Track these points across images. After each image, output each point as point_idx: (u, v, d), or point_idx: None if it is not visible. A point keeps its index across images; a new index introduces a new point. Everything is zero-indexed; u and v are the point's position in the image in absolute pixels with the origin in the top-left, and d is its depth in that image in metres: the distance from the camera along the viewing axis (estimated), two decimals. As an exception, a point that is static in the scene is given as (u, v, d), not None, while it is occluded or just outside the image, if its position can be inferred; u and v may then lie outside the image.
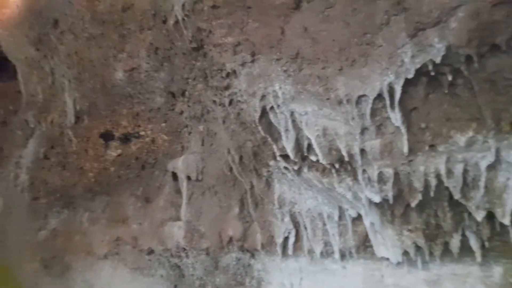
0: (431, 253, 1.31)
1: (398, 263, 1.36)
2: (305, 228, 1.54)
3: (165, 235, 1.88)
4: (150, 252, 1.94)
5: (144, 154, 2.22)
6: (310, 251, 1.54)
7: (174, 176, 2.01)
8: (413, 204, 1.26)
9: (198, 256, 1.78)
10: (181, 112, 2.09)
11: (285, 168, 1.49)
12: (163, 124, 2.19)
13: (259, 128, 1.46)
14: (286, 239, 1.58)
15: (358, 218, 1.44)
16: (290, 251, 1.56)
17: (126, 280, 2.03)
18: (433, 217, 1.29)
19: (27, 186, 2.61)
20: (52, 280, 2.31)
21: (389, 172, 1.25)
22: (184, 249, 1.82)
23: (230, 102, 1.58)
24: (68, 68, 2.54)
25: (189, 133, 2.06)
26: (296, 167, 1.44)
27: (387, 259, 1.38)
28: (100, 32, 2.40)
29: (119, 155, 2.30)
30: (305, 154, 1.38)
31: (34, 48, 2.69)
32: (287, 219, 1.56)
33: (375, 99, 1.23)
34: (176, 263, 1.86)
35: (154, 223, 1.93)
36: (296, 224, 1.56)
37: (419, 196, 1.24)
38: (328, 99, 1.28)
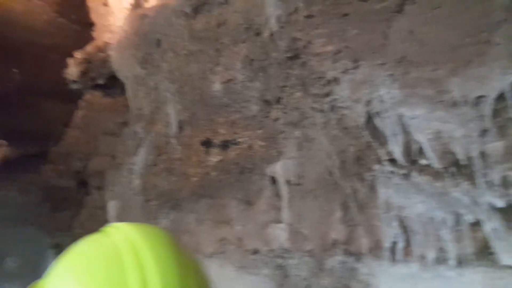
0: None
1: (527, 272, 1.28)
2: (416, 233, 1.52)
3: (269, 237, 2.00)
4: (255, 252, 2.08)
5: (242, 159, 2.38)
6: (422, 257, 1.51)
7: (273, 180, 2.12)
8: (545, 210, 1.18)
9: (302, 258, 1.86)
10: (276, 119, 2.20)
11: (391, 172, 1.50)
12: (259, 131, 2.32)
13: (364, 133, 1.48)
14: (394, 243, 1.57)
15: (477, 223, 1.38)
16: (399, 256, 1.56)
17: (232, 277, 2.20)
18: None
19: (140, 190, 2.96)
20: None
21: (514, 176, 1.19)
22: (288, 250, 1.91)
23: (332, 108, 1.63)
24: (170, 83, 2.84)
25: (285, 138, 2.16)
26: (404, 171, 1.44)
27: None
28: (198, 48, 2.63)
29: (219, 161, 2.49)
30: (415, 158, 1.38)
31: (140, 67, 3.05)
32: (395, 223, 1.56)
33: (496, 99, 1.18)
34: (281, 263, 1.96)
35: (258, 225, 2.07)
36: (405, 229, 1.55)
37: (553, 202, 1.16)
38: (441, 101, 1.26)
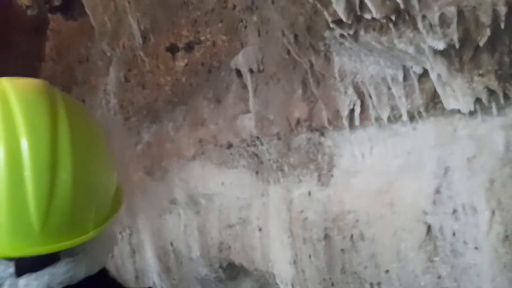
0: (506, 96, 1.27)
1: (471, 113, 1.36)
2: (370, 96, 1.59)
3: (239, 128, 2.11)
4: (229, 146, 2.21)
5: (208, 58, 2.40)
6: (378, 119, 1.60)
7: (238, 73, 2.16)
8: (481, 43, 1.20)
9: (271, 142, 1.99)
10: (234, 7, 2.16)
11: (341, 36, 1.51)
12: (220, 25, 2.30)
13: (308, -3, 1.47)
14: (351, 111, 1.65)
15: (424, 75, 1.43)
16: (357, 122, 1.65)
17: (215, 175, 2.37)
18: (507, 54, 1.22)
19: (118, 109, 3.06)
20: (156, 184, 2.81)
21: (451, 11, 1.19)
22: (258, 137, 2.03)
23: (276, -22, 1.59)
24: (125, -11, 2.74)
25: (245, 27, 2.14)
26: (351, 31, 1.45)
27: (459, 111, 1.38)
28: None
29: (186, 64, 2.52)
30: (358, 13, 1.38)
31: (92, -23, 2.93)
32: (350, 90, 1.62)
33: None
34: (253, 151, 2.10)
35: (228, 119, 2.17)
36: (360, 94, 1.62)
37: (487, 32, 1.18)
38: None
